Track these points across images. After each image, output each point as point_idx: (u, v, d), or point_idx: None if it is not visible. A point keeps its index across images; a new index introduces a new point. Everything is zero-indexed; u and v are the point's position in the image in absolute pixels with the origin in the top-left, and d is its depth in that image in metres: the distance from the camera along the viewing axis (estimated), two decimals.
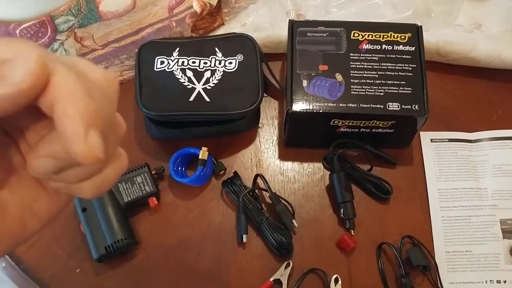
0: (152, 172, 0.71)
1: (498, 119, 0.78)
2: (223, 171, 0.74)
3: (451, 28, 0.81)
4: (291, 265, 0.68)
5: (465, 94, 0.80)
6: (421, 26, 0.72)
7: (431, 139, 0.76)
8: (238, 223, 0.70)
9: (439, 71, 0.81)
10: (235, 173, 0.73)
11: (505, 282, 0.67)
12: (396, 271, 0.68)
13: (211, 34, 0.80)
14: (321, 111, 0.67)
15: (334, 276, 0.67)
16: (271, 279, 0.67)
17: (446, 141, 0.76)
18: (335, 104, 0.67)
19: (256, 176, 0.72)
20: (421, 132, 0.77)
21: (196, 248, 0.70)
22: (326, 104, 0.67)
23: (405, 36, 0.71)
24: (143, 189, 0.70)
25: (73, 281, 0.68)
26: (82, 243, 0.68)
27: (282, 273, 0.67)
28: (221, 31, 0.81)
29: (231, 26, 0.82)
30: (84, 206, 0.68)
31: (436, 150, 0.75)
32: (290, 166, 0.75)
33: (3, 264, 0.69)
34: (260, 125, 0.78)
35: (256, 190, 0.72)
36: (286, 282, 0.67)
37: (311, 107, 0.67)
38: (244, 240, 0.69)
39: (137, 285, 0.68)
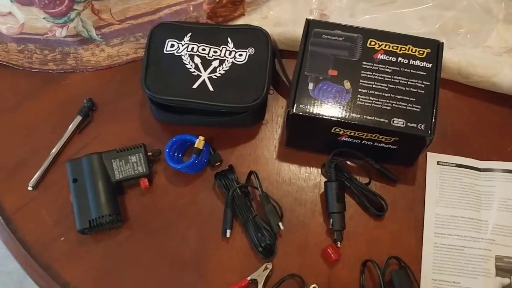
0: (148, 154, 0.71)
1: None
2: (219, 163, 0.73)
3: (479, 48, 0.77)
4: (270, 267, 0.67)
5: (482, 120, 0.76)
6: (442, 43, 0.68)
7: (437, 161, 0.73)
8: (224, 217, 0.69)
9: (458, 92, 0.78)
10: (230, 166, 0.72)
11: None
12: None
13: (230, 23, 0.79)
14: (322, 117, 0.65)
15: (313, 286, 0.66)
16: (248, 278, 0.66)
17: (453, 166, 0.73)
18: (338, 112, 0.65)
19: (250, 172, 0.71)
20: (428, 153, 0.74)
21: (180, 235, 0.70)
22: (329, 110, 0.65)
23: (423, 52, 0.68)
24: (136, 169, 0.70)
25: (56, 248, 0.69)
26: (70, 213, 0.69)
27: (260, 274, 0.66)
28: (240, 21, 0.80)
29: (252, 18, 0.80)
30: (75, 177, 0.68)
31: (441, 174, 0.72)
32: (287, 168, 0.74)
33: None
34: (264, 121, 0.77)
35: (248, 187, 0.71)
36: (262, 283, 0.66)
37: (312, 111, 0.65)
38: (228, 235, 0.68)
39: (117, 262, 0.68)
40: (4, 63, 0.80)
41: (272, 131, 0.76)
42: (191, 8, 0.77)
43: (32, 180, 0.72)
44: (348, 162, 0.73)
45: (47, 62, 0.79)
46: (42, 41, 0.79)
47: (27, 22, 0.77)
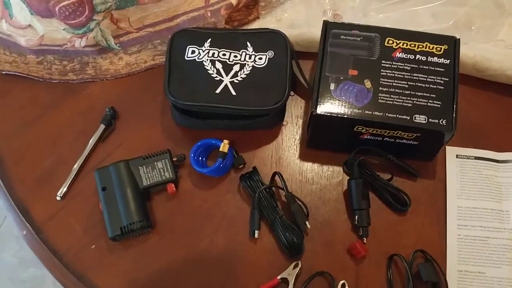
0: (173, 159, 0.72)
1: None
2: (242, 165, 0.75)
3: (491, 43, 0.78)
4: (299, 265, 0.68)
5: (498, 113, 0.78)
6: (459, 39, 0.70)
7: (456, 155, 0.75)
8: (251, 218, 0.71)
9: (474, 86, 0.79)
10: (254, 168, 0.74)
11: None
12: (405, 284, 0.67)
13: (245, 27, 0.80)
14: (345, 116, 0.66)
15: (342, 282, 0.67)
16: (279, 277, 0.68)
17: (472, 159, 0.74)
18: (360, 111, 0.66)
19: (274, 173, 0.73)
20: (447, 147, 0.75)
21: (208, 237, 0.71)
22: (351, 110, 0.66)
23: (441, 48, 0.69)
24: (162, 174, 0.71)
25: (87, 256, 0.70)
26: (99, 221, 0.70)
27: (290, 273, 0.68)
28: (255, 24, 0.81)
29: (266, 21, 0.81)
30: (104, 185, 0.70)
31: (461, 167, 0.74)
32: (309, 167, 0.75)
33: (24, 232, 0.72)
34: (284, 123, 0.78)
35: (273, 188, 0.72)
36: (293, 282, 0.67)
37: (336, 111, 0.66)
38: (256, 235, 0.70)
39: (148, 267, 0.69)
40: (24, 75, 0.81)
41: (293, 131, 0.78)
42: (209, 14, 0.78)
43: (60, 191, 0.73)
44: (369, 159, 0.74)
45: (67, 72, 0.80)
46: (61, 51, 0.80)
47: (47, 34, 0.78)
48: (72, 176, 0.74)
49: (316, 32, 0.77)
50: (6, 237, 1.62)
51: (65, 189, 0.73)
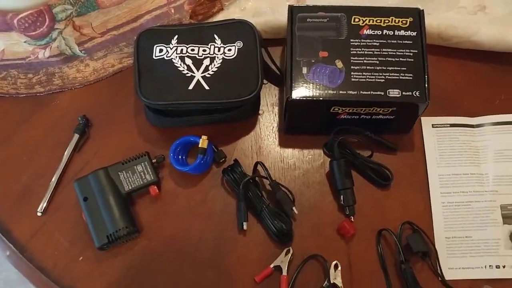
0: (153, 161, 0.72)
1: (501, 104, 0.77)
2: (223, 159, 0.74)
3: (453, 10, 0.79)
4: (291, 251, 0.68)
5: (467, 79, 0.79)
6: (422, 10, 0.70)
7: (432, 125, 0.76)
8: (238, 211, 0.70)
9: (441, 55, 0.80)
10: (236, 160, 0.73)
11: (504, 267, 0.67)
12: (396, 257, 0.68)
13: (210, 19, 0.80)
14: (321, 98, 0.66)
15: (334, 262, 0.68)
16: (272, 265, 0.68)
17: (448, 126, 0.76)
18: (335, 92, 0.66)
19: (256, 163, 0.73)
20: (422, 118, 0.76)
21: (197, 235, 0.71)
22: (326, 91, 0.66)
23: (406, 21, 0.70)
24: (143, 177, 0.70)
25: (76, 269, 0.69)
26: (84, 231, 0.69)
27: (282, 260, 0.68)
28: (220, 16, 0.80)
29: (230, 11, 0.81)
30: (85, 195, 0.68)
31: (437, 136, 0.75)
32: (290, 153, 0.75)
33: (7, 253, 0.70)
34: (260, 112, 0.78)
35: (257, 178, 0.72)
36: (286, 268, 0.67)
37: (311, 95, 0.66)
38: (245, 227, 0.69)
39: (139, 273, 0.69)
40: None
41: (270, 120, 0.77)
42: (172, 11, 0.77)
43: (40, 206, 0.71)
44: (348, 139, 0.74)
45: (33, 85, 0.78)
46: (24, 65, 0.78)
47: (7, 48, 0.76)
48: (51, 190, 0.72)
49: (282, 18, 0.77)
50: None
51: (45, 204, 0.71)
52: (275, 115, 0.78)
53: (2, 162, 0.75)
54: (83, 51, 0.78)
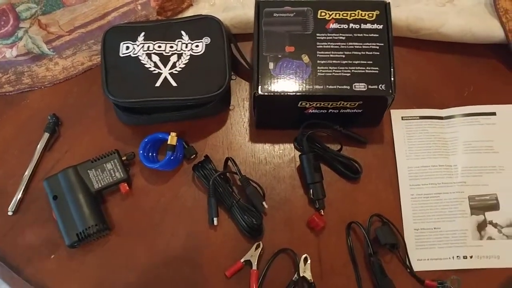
0: (123, 158, 0.72)
1: (470, 95, 0.78)
2: (194, 155, 0.74)
3: (422, 2, 0.79)
4: (261, 246, 0.69)
5: (437, 70, 0.79)
6: (389, 3, 0.70)
7: (402, 117, 0.76)
8: (209, 207, 0.71)
9: (410, 47, 0.81)
10: (206, 156, 0.74)
11: (471, 257, 0.68)
12: (365, 250, 0.69)
13: (180, 15, 0.79)
14: (287, 93, 0.66)
15: (304, 256, 0.68)
16: (242, 260, 0.68)
17: (417, 119, 0.76)
18: (301, 86, 0.66)
19: (227, 159, 0.73)
20: (391, 110, 0.76)
21: (169, 231, 0.71)
22: (292, 86, 0.66)
23: (373, 14, 0.70)
24: (113, 175, 0.70)
25: (48, 267, 0.69)
26: (55, 230, 0.69)
27: (252, 254, 0.69)
28: (190, 12, 0.80)
29: (200, 6, 0.80)
30: (55, 193, 0.68)
31: (407, 128, 0.75)
32: (261, 148, 0.76)
33: None
34: (231, 107, 0.78)
35: (227, 173, 0.73)
36: (256, 262, 0.68)
37: (277, 90, 0.66)
38: (215, 223, 0.70)
39: (112, 269, 0.69)
40: None
41: (240, 115, 0.78)
42: (139, 7, 0.77)
43: (10, 205, 0.71)
44: (318, 133, 0.75)
45: (2, 84, 0.78)
46: None
47: None
48: (22, 189, 0.72)
49: (250, 12, 0.77)
50: None
51: (15, 203, 0.71)
52: (246, 110, 0.78)
53: None
54: (51, 50, 0.78)
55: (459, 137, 0.74)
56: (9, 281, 0.69)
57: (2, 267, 0.69)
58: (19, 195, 0.72)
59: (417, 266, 0.68)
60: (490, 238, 0.69)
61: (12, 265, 0.69)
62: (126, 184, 0.71)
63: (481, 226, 0.70)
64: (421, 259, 0.69)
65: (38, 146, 0.74)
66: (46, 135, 0.75)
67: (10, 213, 0.71)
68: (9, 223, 0.71)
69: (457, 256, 0.68)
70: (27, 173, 0.73)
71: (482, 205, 0.70)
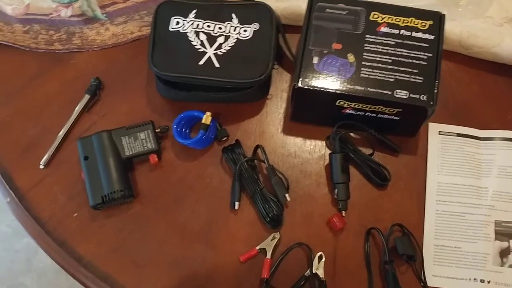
0: (156, 130, 0.73)
1: None
2: (225, 138, 0.75)
3: (479, 19, 0.78)
4: (278, 236, 0.69)
5: (482, 90, 0.78)
6: (444, 15, 0.69)
7: (439, 131, 0.75)
8: (232, 190, 0.71)
9: (460, 63, 0.79)
10: (237, 141, 0.74)
11: (489, 282, 0.67)
12: (382, 257, 0.68)
13: None
14: (327, 90, 0.66)
15: (319, 253, 0.68)
16: (257, 247, 0.69)
17: (455, 135, 0.75)
18: (342, 85, 0.66)
19: (257, 146, 0.73)
20: (430, 123, 0.75)
21: (190, 208, 0.72)
22: (333, 83, 0.66)
23: (426, 24, 0.69)
24: (145, 145, 0.72)
25: (70, 224, 0.71)
26: (82, 189, 0.71)
27: (268, 244, 0.69)
28: None
29: None
30: (86, 154, 0.70)
31: (443, 143, 0.74)
32: (292, 141, 0.76)
33: (8, 199, 0.73)
34: (269, 96, 0.78)
35: (255, 160, 0.73)
36: (270, 252, 0.68)
37: (318, 85, 0.66)
38: (236, 207, 0.71)
39: (129, 236, 0.70)
40: (11, 44, 0.81)
41: (277, 105, 0.78)
42: None
43: (43, 159, 0.74)
44: (351, 134, 0.74)
45: (53, 42, 0.80)
46: (47, 21, 0.80)
47: (33, 2, 0.78)
48: (56, 145, 0.74)
49: (303, 5, 0.76)
50: None
51: (48, 158, 0.74)
52: (283, 101, 0.78)
53: (13, 113, 0.78)
54: (104, 15, 0.80)
55: (495, 160, 0.73)
56: (32, 232, 0.72)
57: (26, 216, 0.72)
58: (52, 151, 0.74)
59: (431, 282, 0.67)
60: (511, 266, 0.67)
61: (36, 216, 0.72)
62: (156, 156, 0.72)
63: (504, 253, 0.68)
64: (437, 275, 0.68)
65: (78, 106, 0.76)
66: (87, 97, 0.77)
67: (41, 167, 0.74)
68: (39, 176, 0.74)
69: (475, 279, 0.67)
70: (63, 130, 0.75)
71: (508, 232, 0.69)
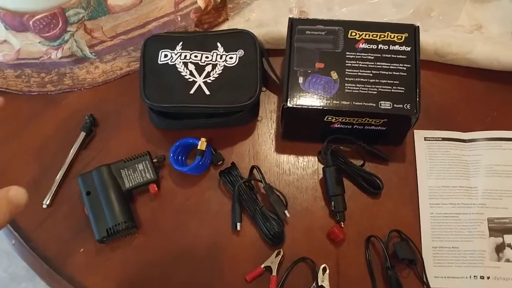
0: (154, 160, 0.75)
1: (493, 120, 0.79)
2: (221, 162, 0.77)
3: (451, 28, 0.82)
4: (281, 253, 0.71)
5: (462, 95, 0.81)
6: (418, 26, 0.73)
7: (424, 138, 0.78)
8: (233, 212, 0.73)
9: (438, 71, 0.83)
10: (233, 163, 0.76)
11: (488, 278, 0.69)
12: (383, 263, 0.70)
13: (215, 28, 0.83)
14: (315, 107, 0.69)
15: (323, 266, 0.70)
16: (262, 266, 0.70)
17: (440, 140, 0.78)
18: (329, 101, 0.69)
19: (252, 167, 0.76)
20: (415, 131, 0.78)
21: (192, 233, 0.74)
22: (320, 101, 0.69)
23: (401, 36, 0.73)
24: (144, 176, 0.74)
25: (76, 260, 0.72)
26: (86, 225, 0.72)
27: (273, 261, 0.71)
28: (225, 26, 0.84)
29: (235, 21, 0.84)
30: (88, 189, 0.72)
31: (429, 149, 0.77)
32: (286, 159, 0.78)
33: (13, 241, 0.74)
34: (259, 118, 0.81)
35: (252, 181, 0.75)
36: (276, 269, 0.70)
37: (305, 103, 0.69)
38: (238, 228, 0.72)
39: (136, 266, 0.72)
40: (3, 90, 0.83)
41: (268, 126, 0.81)
42: (179, 19, 0.81)
43: (46, 198, 0.75)
44: (342, 147, 0.77)
45: (45, 84, 0.82)
46: (38, 64, 0.82)
47: (23, 47, 0.80)
48: (57, 184, 0.76)
49: (283, 29, 0.80)
50: None
51: (50, 197, 0.75)
52: (273, 121, 0.81)
53: (13, 155, 0.80)
54: (93, 53, 0.82)
55: (481, 160, 0.76)
56: (39, 271, 0.73)
57: (34, 257, 0.73)
58: (53, 189, 0.76)
59: (433, 283, 0.69)
60: (508, 260, 0.70)
61: (43, 255, 0.73)
62: (155, 185, 0.74)
63: (499, 248, 0.71)
64: (438, 276, 0.70)
65: (75, 144, 0.78)
66: (83, 134, 0.79)
67: (44, 206, 0.75)
68: (43, 215, 0.75)
69: (474, 276, 0.70)
70: (63, 169, 0.77)
71: (501, 228, 0.72)
